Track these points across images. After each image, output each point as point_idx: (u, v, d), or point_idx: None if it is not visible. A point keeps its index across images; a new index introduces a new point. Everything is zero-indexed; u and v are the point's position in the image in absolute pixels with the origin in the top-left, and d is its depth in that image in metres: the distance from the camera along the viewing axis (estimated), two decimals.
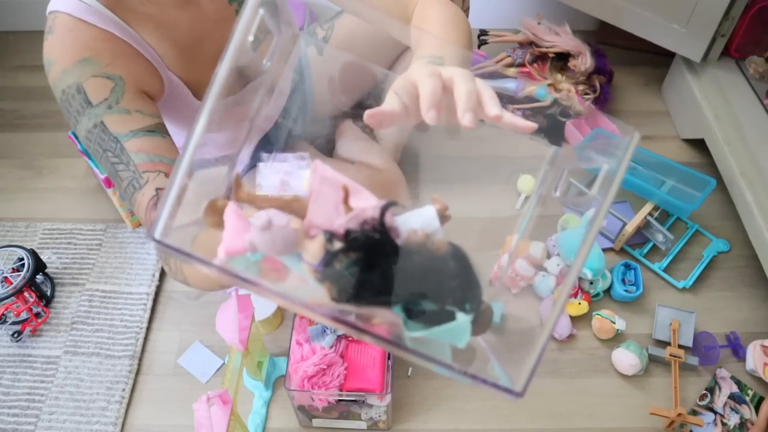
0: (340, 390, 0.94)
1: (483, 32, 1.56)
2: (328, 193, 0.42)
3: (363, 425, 1.03)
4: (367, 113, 0.48)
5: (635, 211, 1.26)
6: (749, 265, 1.24)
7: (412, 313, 0.40)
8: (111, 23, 0.74)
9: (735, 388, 1.07)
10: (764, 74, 1.34)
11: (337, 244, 0.40)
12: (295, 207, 0.43)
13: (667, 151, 1.39)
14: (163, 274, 1.23)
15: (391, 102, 0.49)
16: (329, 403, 0.96)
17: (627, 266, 1.21)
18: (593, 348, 1.14)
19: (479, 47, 1.58)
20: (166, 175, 0.73)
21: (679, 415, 1.00)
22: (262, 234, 0.40)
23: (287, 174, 0.42)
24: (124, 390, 1.08)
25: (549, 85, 1.44)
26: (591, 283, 1.17)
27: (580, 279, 1.17)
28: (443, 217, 0.44)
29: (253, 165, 0.45)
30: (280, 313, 1.16)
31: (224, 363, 1.11)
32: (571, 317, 1.14)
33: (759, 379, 1.09)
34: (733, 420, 1.04)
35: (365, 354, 0.98)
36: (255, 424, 1.03)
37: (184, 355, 1.13)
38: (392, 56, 1.14)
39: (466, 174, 1.24)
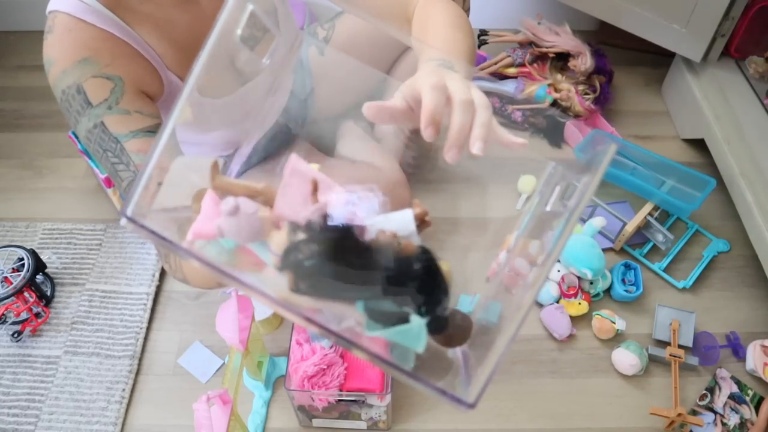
0: (340, 390, 0.94)
1: (483, 32, 1.56)
2: (296, 185, 0.42)
3: (363, 425, 1.03)
4: (367, 104, 0.48)
5: (635, 211, 1.26)
6: (749, 265, 1.24)
7: (372, 313, 0.39)
8: (110, 23, 0.74)
9: (735, 388, 1.07)
10: (764, 74, 1.34)
11: (300, 235, 0.40)
12: (269, 198, 0.43)
13: (667, 151, 1.39)
14: (163, 274, 1.23)
15: (395, 100, 0.50)
16: (329, 403, 0.96)
17: (627, 266, 1.21)
18: (593, 348, 1.14)
19: (479, 47, 1.58)
20: None
21: (679, 415, 1.00)
22: (229, 219, 0.40)
23: (355, 205, 0.42)
24: (124, 390, 1.08)
25: (549, 85, 1.44)
26: (591, 283, 1.17)
27: (580, 279, 1.17)
28: (423, 222, 0.44)
29: (251, 160, 0.45)
30: None
31: (224, 363, 1.11)
32: (571, 317, 1.14)
33: (759, 379, 1.09)
34: (733, 420, 1.04)
35: None
36: (255, 424, 1.03)
37: (184, 355, 1.13)
38: (393, 56, 1.14)
39: (466, 174, 1.24)
